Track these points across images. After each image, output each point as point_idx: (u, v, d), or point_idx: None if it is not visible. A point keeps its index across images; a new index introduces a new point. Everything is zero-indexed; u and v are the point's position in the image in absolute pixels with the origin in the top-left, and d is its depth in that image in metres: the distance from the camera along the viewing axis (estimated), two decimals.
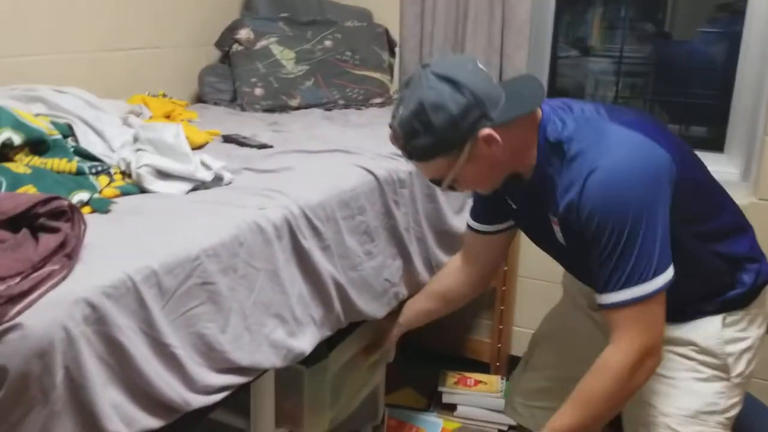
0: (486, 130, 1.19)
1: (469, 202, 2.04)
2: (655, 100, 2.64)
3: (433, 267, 1.82)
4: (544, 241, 1.45)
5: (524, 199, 1.40)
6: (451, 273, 1.64)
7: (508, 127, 1.21)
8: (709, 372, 1.37)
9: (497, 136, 1.20)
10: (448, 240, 1.88)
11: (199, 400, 1.04)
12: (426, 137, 1.19)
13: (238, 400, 1.68)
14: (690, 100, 2.57)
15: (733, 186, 2.33)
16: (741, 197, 2.27)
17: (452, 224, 1.87)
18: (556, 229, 1.32)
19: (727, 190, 1.49)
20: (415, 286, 1.75)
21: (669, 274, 1.20)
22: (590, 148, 1.19)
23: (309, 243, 1.30)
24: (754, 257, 1.41)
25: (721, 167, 2.39)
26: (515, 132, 1.23)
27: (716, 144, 2.44)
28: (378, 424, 2.15)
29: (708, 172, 1.38)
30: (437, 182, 1.29)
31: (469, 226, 1.57)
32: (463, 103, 1.17)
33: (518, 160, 1.28)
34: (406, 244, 1.67)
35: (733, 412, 1.41)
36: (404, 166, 1.67)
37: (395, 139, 1.26)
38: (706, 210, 1.35)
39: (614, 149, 1.18)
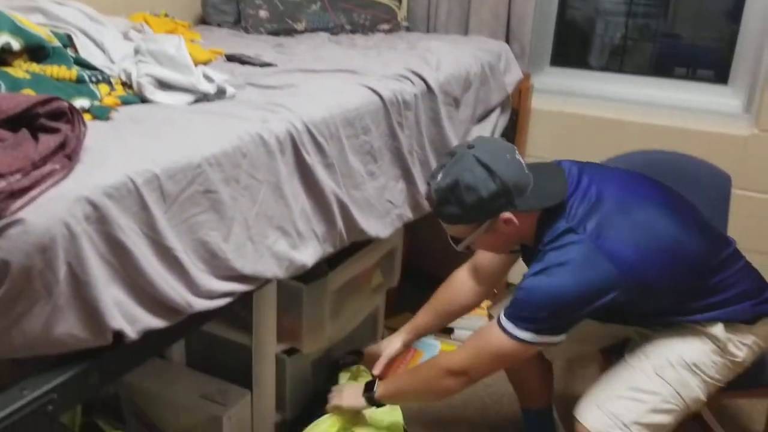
0: (507, 214, 1.37)
1: (474, 130, 2.03)
2: (663, 40, 2.59)
3: None
4: None
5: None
6: (456, 288, 1.75)
7: (527, 213, 1.40)
8: (711, 345, 1.48)
9: (515, 220, 1.38)
10: None
11: (201, 304, 1.05)
12: (455, 208, 1.38)
13: (241, 317, 1.72)
14: (698, 41, 2.52)
15: (736, 118, 2.32)
16: (743, 129, 2.26)
17: None
18: None
19: (729, 122, 1.50)
20: (419, 210, 1.76)
21: (541, 339, 1.37)
22: (556, 261, 1.35)
23: (312, 159, 1.30)
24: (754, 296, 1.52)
25: (724, 99, 2.37)
26: (531, 217, 1.42)
27: (720, 77, 2.41)
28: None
29: (689, 268, 1.45)
30: (456, 241, 1.47)
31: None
32: (494, 190, 1.34)
33: (526, 237, 1.46)
34: (410, 167, 1.66)
35: (710, 388, 1.49)
36: (410, 89, 1.65)
37: (428, 199, 1.45)
38: (692, 291, 1.46)
39: (569, 274, 1.33)
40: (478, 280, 1.73)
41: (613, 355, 1.67)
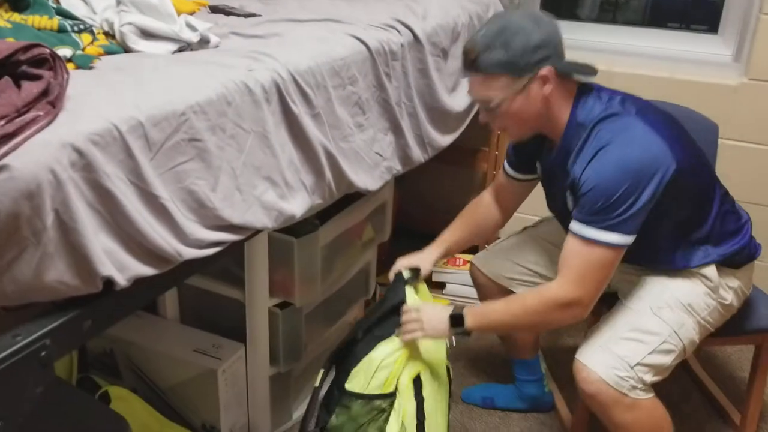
0: (547, 69, 1.38)
1: (463, 83, 2.02)
2: None
3: (425, 145, 1.82)
4: (556, 204, 1.61)
5: (547, 169, 1.60)
6: (486, 208, 1.81)
7: (560, 81, 1.41)
8: (704, 287, 1.53)
9: (552, 83, 1.39)
10: (441, 118, 1.87)
11: (190, 253, 1.06)
12: (500, 52, 1.36)
13: (233, 272, 1.73)
14: None
15: (726, 67, 2.32)
16: (732, 78, 2.25)
17: (444, 102, 1.85)
18: (569, 197, 1.49)
19: (719, 71, 1.54)
20: (408, 162, 1.76)
21: (626, 239, 1.38)
22: (609, 134, 1.38)
23: (299, 108, 1.29)
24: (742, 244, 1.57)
25: (714, 49, 2.36)
26: (561, 89, 1.43)
27: (710, 27, 2.40)
28: (369, 299, 2.21)
29: (713, 183, 1.55)
30: (486, 102, 1.44)
31: (505, 172, 1.77)
32: (539, 38, 1.36)
33: (550, 122, 1.47)
34: (398, 119, 1.65)
35: (702, 331, 1.54)
36: (396, 38, 1.64)
37: (470, 51, 1.40)
38: (696, 215, 1.51)
39: (628, 140, 1.36)
40: (500, 204, 1.80)
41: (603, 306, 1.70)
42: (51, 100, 0.93)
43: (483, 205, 1.82)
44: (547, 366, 2.16)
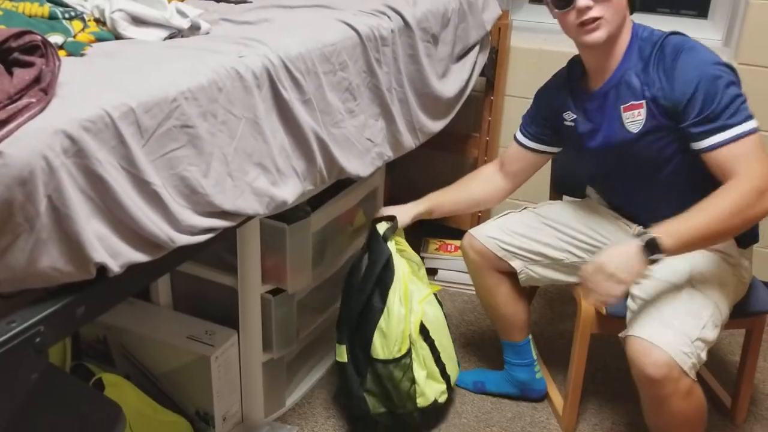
0: None
1: (453, 69, 2.02)
2: None
3: (416, 131, 1.82)
4: (602, 147, 1.62)
5: (589, 109, 1.63)
6: (484, 180, 1.85)
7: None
8: (726, 264, 1.57)
9: None
10: (432, 104, 1.88)
11: (183, 239, 1.06)
12: None
13: (226, 259, 1.73)
14: None
15: (716, 51, 2.32)
16: None
17: (435, 88, 1.85)
18: (634, 118, 1.53)
19: None
20: (399, 148, 1.76)
21: (755, 123, 1.41)
22: (681, 43, 1.48)
23: (290, 94, 1.29)
24: None
25: (704, 33, 2.37)
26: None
27: (700, 12, 2.41)
28: None
29: None
30: None
31: (517, 141, 1.80)
32: None
33: (618, 35, 1.54)
34: (389, 105, 1.66)
35: (730, 307, 1.56)
36: (386, 24, 1.64)
37: None
38: None
39: (701, 47, 1.47)
40: (505, 176, 1.83)
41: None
42: (43, 87, 0.93)
43: (481, 176, 1.85)
44: (540, 354, 2.18)
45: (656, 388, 1.42)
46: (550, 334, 2.33)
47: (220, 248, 1.72)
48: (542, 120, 1.76)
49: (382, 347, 1.77)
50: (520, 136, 1.82)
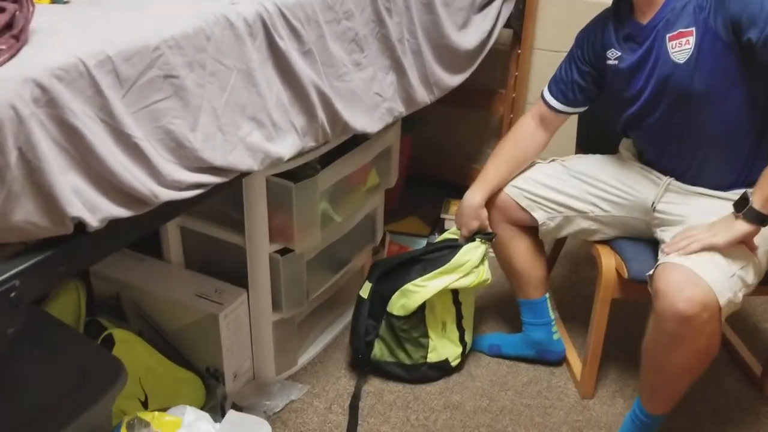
0: None
1: (474, 19, 1.93)
2: None
3: (431, 85, 1.75)
4: (646, 85, 1.55)
5: (639, 38, 1.54)
6: (529, 140, 1.80)
7: None
8: None
9: None
10: (449, 57, 1.80)
11: (167, 194, 1.03)
12: None
13: (234, 218, 1.70)
14: None
15: None
16: None
17: (453, 39, 1.77)
18: (681, 47, 1.46)
19: None
20: (412, 104, 1.70)
21: None
22: None
23: (287, 44, 1.24)
24: None
25: None
26: None
27: None
28: (377, 246, 2.18)
29: None
30: None
31: (548, 105, 1.75)
32: None
33: None
34: (400, 58, 1.59)
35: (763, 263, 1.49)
36: None
37: None
38: None
39: None
40: (545, 130, 1.78)
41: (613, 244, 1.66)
42: (15, 34, 0.90)
43: (526, 135, 1.80)
44: (561, 318, 2.12)
45: (683, 325, 1.34)
46: (573, 298, 2.26)
47: (229, 207, 1.69)
48: (584, 65, 1.69)
49: (398, 307, 1.80)
50: (552, 101, 1.75)
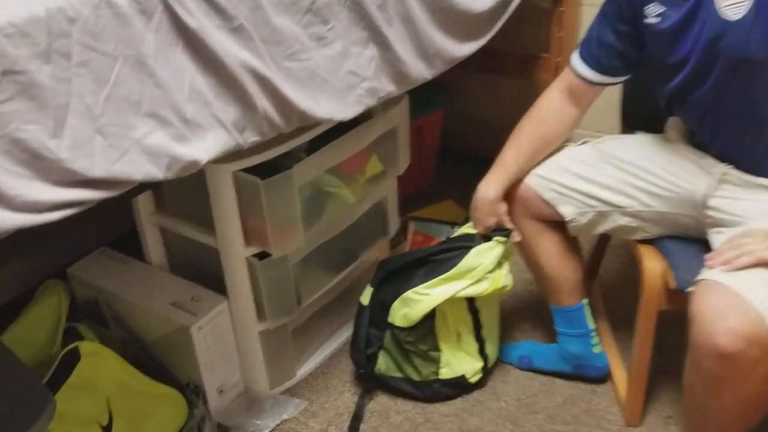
0: None
1: None
2: None
3: (431, 57, 1.47)
4: (694, 48, 1.22)
5: None
6: (557, 117, 1.48)
7: None
8: None
9: None
10: (454, 22, 1.50)
11: (18, 219, 0.83)
12: None
13: (209, 217, 1.51)
14: None
15: None
16: None
17: (456, 1, 1.47)
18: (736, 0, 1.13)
19: None
20: (405, 81, 1.42)
21: None
22: None
23: (201, 22, 1.00)
24: None
25: None
26: None
27: None
28: (398, 237, 1.94)
29: None
30: None
31: (578, 74, 1.44)
32: None
33: None
34: (380, 27, 1.31)
35: None
36: None
37: None
38: None
39: None
40: (575, 103, 1.47)
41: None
42: None
43: (551, 112, 1.48)
44: (608, 325, 1.80)
45: (724, 364, 1.04)
46: (626, 298, 1.92)
47: (201, 204, 1.49)
48: (621, 23, 1.35)
49: (400, 317, 1.56)
50: (583, 69, 1.42)
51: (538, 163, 1.49)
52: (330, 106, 1.24)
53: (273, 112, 1.13)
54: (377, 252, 1.84)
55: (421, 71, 1.43)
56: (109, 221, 1.66)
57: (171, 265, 1.69)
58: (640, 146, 1.45)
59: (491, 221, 1.50)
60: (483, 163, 1.53)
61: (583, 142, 1.51)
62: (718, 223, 1.28)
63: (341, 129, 1.52)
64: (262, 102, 1.11)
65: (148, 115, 0.96)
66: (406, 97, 1.68)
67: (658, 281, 1.38)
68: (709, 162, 1.31)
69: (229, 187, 1.39)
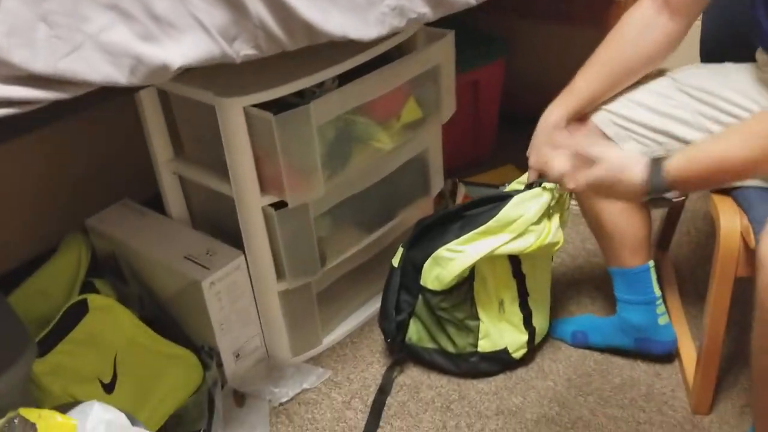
0: None
1: None
2: None
3: None
4: None
5: None
6: (643, 30, 1.21)
7: None
8: None
9: None
10: None
11: None
12: None
13: (224, 163, 1.38)
14: None
15: None
16: None
17: None
18: None
19: None
20: (440, 3, 1.23)
21: None
22: None
23: None
24: None
25: None
26: None
27: None
28: (446, 200, 1.76)
29: None
30: None
31: None
32: None
33: None
34: None
35: None
36: None
37: None
38: None
39: None
40: (671, 15, 1.19)
41: None
42: None
43: (640, 27, 1.22)
44: (679, 297, 1.56)
45: None
46: (700, 266, 1.67)
47: (219, 147, 1.35)
48: None
49: (432, 279, 1.39)
50: None
51: (617, 93, 1.26)
52: (344, 22, 1.07)
53: (270, 21, 0.98)
54: (418, 212, 1.65)
55: None
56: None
57: (193, 219, 1.57)
58: (720, 73, 1.21)
59: (546, 154, 1.26)
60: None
61: (660, 71, 1.28)
62: None
63: (377, 65, 1.35)
64: (256, 6, 0.95)
65: (107, 6, 0.82)
66: (451, 33, 1.49)
67: (736, 240, 1.15)
68: None
69: (240, 124, 1.25)
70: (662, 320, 1.38)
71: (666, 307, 1.40)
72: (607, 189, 1.04)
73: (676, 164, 0.99)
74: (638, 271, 1.35)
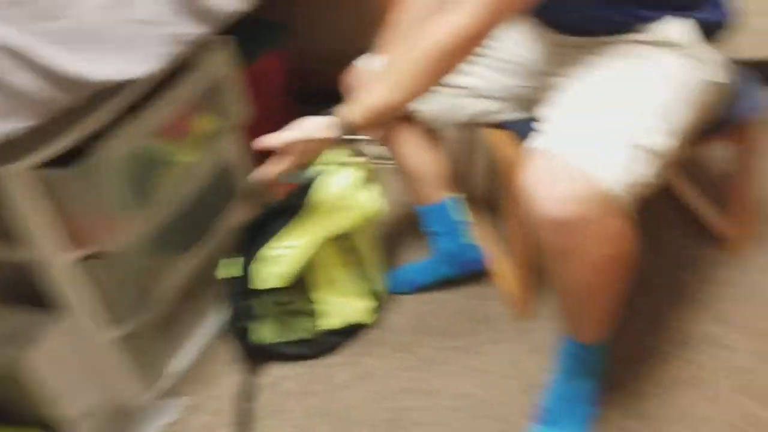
0: None
1: None
2: None
3: None
4: None
5: None
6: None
7: None
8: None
9: None
10: None
11: None
12: None
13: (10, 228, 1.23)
14: None
15: None
16: None
17: None
18: None
19: None
20: (208, 17, 1.20)
21: None
22: None
23: None
24: None
25: None
26: None
27: None
28: (257, 195, 1.74)
29: None
30: None
31: None
32: None
33: None
34: None
35: None
36: None
37: None
38: None
39: None
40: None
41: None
42: None
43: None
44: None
45: (565, 236, 0.98)
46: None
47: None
48: None
49: (264, 278, 1.42)
50: None
51: None
52: (119, 67, 1.01)
53: (42, 87, 0.89)
54: (236, 219, 1.64)
55: (231, 2, 1.21)
56: None
57: None
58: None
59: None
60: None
61: None
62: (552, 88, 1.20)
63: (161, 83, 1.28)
64: (22, 79, 0.86)
65: None
66: (229, 41, 1.46)
67: (516, 165, 1.30)
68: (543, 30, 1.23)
69: (22, 188, 1.13)
70: (469, 241, 1.54)
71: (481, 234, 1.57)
72: (304, 146, 1.16)
73: (359, 113, 1.12)
74: (440, 205, 1.49)
